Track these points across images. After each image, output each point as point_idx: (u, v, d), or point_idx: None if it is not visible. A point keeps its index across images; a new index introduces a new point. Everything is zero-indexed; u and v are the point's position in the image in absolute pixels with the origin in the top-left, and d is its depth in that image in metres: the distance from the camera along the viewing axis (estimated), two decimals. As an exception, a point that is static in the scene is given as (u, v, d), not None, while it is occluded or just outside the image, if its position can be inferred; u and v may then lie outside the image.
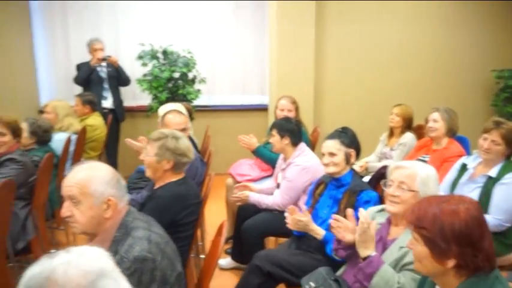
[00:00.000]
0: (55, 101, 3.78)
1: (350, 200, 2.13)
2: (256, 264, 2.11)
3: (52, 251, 2.85)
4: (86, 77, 4.60)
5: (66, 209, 1.41)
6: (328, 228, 2.06)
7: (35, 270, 0.78)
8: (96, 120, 4.09)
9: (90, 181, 1.40)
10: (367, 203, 2.08)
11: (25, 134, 2.90)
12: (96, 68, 4.63)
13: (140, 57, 4.54)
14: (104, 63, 4.64)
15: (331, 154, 2.24)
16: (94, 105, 4.18)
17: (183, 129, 2.69)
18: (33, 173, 2.60)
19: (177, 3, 5.05)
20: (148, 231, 1.41)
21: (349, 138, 2.28)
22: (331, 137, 2.31)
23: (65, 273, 0.76)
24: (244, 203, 2.85)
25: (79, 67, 4.69)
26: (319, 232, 2.13)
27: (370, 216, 1.79)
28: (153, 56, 4.58)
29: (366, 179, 2.83)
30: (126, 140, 3.16)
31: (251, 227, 2.64)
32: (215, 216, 3.19)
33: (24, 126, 2.88)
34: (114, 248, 1.37)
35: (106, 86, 4.68)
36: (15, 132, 2.65)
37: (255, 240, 2.61)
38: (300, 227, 2.14)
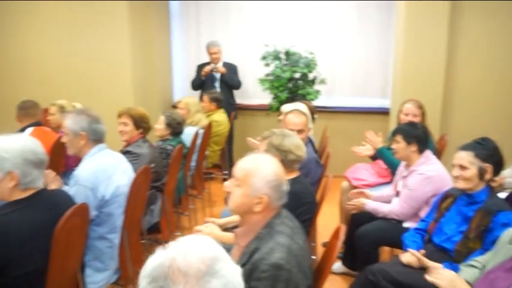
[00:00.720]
0: (187, 97, 4.15)
1: (484, 220, 1.92)
2: (370, 278, 2.03)
3: (177, 233, 3.14)
4: (199, 83, 4.97)
5: (229, 185, 1.53)
6: (453, 248, 1.90)
7: (156, 262, 0.84)
8: (220, 117, 4.39)
9: (254, 174, 1.47)
10: (505, 226, 1.84)
11: (162, 126, 3.25)
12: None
13: (264, 58, 4.71)
14: (219, 64, 4.94)
15: (462, 167, 2.02)
16: (219, 102, 4.48)
17: (300, 131, 2.72)
18: (152, 161, 2.79)
19: (302, 4, 5.10)
20: (290, 240, 1.42)
21: (486, 152, 2.02)
22: (465, 148, 2.07)
23: (185, 260, 0.83)
24: (359, 210, 2.77)
25: (199, 68, 5.07)
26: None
27: (508, 239, 1.60)
28: (276, 56, 4.72)
29: (502, 195, 2.53)
30: (247, 139, 3.32)
31: (365, 234, 2.55)
32: (327, 219, 3.16)
33: (162, 118, 3.24)
34: (256, 243, 1.43)
35: (217, 85, 4.97)
36: (138, 124, 2.88)
37: (369, 249, 2.52)
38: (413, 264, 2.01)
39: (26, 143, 1.67)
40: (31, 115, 3.37)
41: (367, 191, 2.90)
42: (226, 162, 4.77)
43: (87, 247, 2.07)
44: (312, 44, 4.94)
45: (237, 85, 5.02)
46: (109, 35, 4.72)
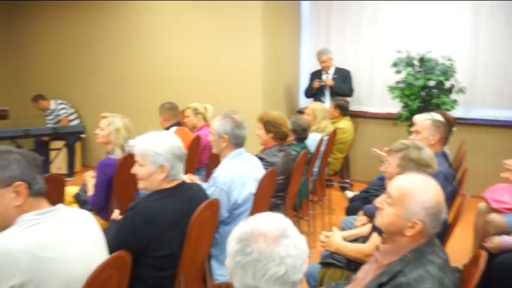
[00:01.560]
0: (314, 103, 4.19)
1: None
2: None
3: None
4: (311, 93, 4.99)
5: (381, 201, 1.49)
6: None
7: (241, 228, 1.09)
8: (345, 124, 4.33)
9: (412, 196, 1.39)
10: None
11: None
12: (321, 75, 4.90)
13: (395, 65, 4.51)
14: (330, 71, 4.88)
15: None
16: (344, 109, 4.42)
17: (433, 145, 2.54)
18: (284, 172, 2.83)
19: (440, 5, 4.74)
20: (442, 273, 1.34)
21: None
22: None
23: (264, 225, 1.06)
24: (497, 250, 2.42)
25: (311, 76, 5.06)
26: None
27: None
28: (409, 63, 4.47)
29: None
30: (373, 150, 3.21)
31: (507, 264, 2.26)
32: (458, 242, 2.88)
33: (288, 124, 3.30)
34: (401, 266, 1.37)
35: (327, 94, 4.89)
36: (267, 128, 2.86)
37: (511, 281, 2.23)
38: None
39: (174, 140, 1.90)
40: (175, 116, 3.79)
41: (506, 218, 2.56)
42: (348, 171, 4.68)
43: (215, 242, 2.23)
44: (451, 50, 4.56)
45: (347, 93, 4.91)
46: (243, 40, 4.90)
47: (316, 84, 4.90)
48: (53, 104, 6.01)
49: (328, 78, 4.95)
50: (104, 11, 5.80)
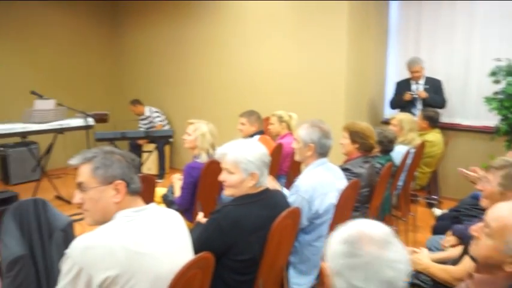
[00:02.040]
0: (401, 114, 4.01)
1: None
2: None
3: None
4: (399, 104, 4.73)
5: (477, 229, 1.39)
6: None
7: (345, 231, 1.08)
8: (435, 137, 4.08)
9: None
10: None
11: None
12: (411, 85, 4.61)
13: (493, 74, 4.15)
14: (420, 81, 4.57)
15: None
16: (433, 121, 4.17)
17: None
18: (369, 184, 2.74)
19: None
20: None
21: None
22: None
23: (370, 229, 1.06)
24: None
25: (398, 86, 4.79)
26: None
27: None
28: (509, 72, 4.10)
29: None
30: (459, 170, 2.99)
31: None
32: None
33: (374, 136, 3.18)
34: None
35: (419, 105, 4.60)
36: (353, 138, 2.76)
37: None
38: None
39: (262, 148, 1.95)
40: (259, 124, 3.87)
41: None
42: (436, 186, 4.40)
43: (294, 251, 2.23)
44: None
45: (441, 105, 4.60)
46: (328, 47, 4.83)
47: (408, 96, 4.66)
48: (147, 111, 6.41)
49: (418, 88, 4.70)
50: (194, 22, 6.12)
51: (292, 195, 2.24)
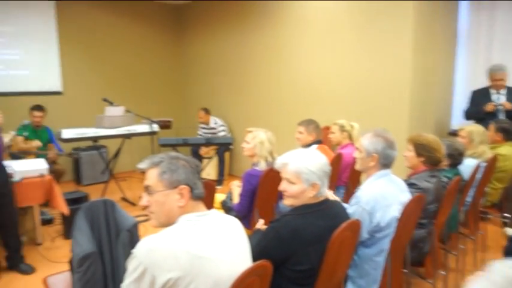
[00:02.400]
0: (471, 126, 3.78)
1: None
2: None
3: (442, 272, 2.89)
4: (476, 115, 4.39)
5: None
6: None
7: (498, 273, 0.88)
8: (509, 150, 3.80)
9: None
10: None
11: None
12: (491, 95, 4.28)
13: None
14: (502, 91, 4.24)
15: None
16: (508, 134, 3.88)
17: None
18: (437, 199, 2.62)
19: None
20: None
21: None
22: None
23: None
24: None
25: (474, 95, 4.47)
26: None
27: None
28: None
29: None
30: None
31: None
32: None
33: (442, 149, 3.01)
34: None
35: (502, 117, 4.25)
36: (418, 151, 2.64)
37: None
38: None
39: (323, 158, 1.93)
40: (318, 133, 3.81)
41: None
42: (509, 204, 4.07)
43: (353, 264, 2.17)
44: None
45: None
46: (392, 54, 4.67)
47: (491, 107, 4.34)
48: (212, 122, 6.51)
49: (500, 99, 4.38)
50: (255, 30, 6.21)
51: (352, 206, 2.18)
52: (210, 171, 6.41)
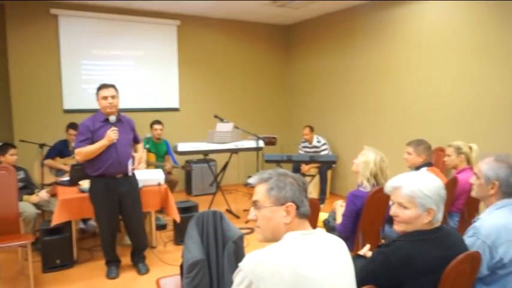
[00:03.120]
0: None
1: None
2: None
3: None
4: None
5: None
6: None
7: None
8: None
9: None
10: None
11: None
12: None
13: None
14: None
15: None
16: None
17: None
18: None
19: None
20: None
21: None
22: None
23: None
24: None
25: None
26: None
27: None
28: None
29: None
30: None
31: None
32: None
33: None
34: None
35: None
36: None
37: None
38: None
39: (438, 181, 1.79)
40: (428, 155, 3.57)
41: None
42: None
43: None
44: None
45: None
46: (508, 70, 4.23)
47: None
48: (315, 140, 6.47)
49: None
50: (362, 48, 6.09)
51: (470, 238, 1.97)
52: (311, 189, 6.37)
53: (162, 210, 4.42)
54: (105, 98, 3.49)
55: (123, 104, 3.80)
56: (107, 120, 3.53)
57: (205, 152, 5.36)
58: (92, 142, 3.47)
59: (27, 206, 4.01)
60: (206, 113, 6.68)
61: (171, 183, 5.31)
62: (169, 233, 4.77)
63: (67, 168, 4.94)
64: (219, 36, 7.33)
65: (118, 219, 3.81)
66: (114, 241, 3.80)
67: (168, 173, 5.49)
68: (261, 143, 5.47)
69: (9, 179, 3.58)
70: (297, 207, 1.47)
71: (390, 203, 1.89)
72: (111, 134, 3.45)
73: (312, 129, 6.52)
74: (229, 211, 5.65)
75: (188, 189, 6.94)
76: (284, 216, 1.46)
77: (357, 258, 2.11)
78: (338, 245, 1.51)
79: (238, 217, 5.50)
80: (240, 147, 5.40)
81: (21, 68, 5.90)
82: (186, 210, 4.52)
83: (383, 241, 3.02)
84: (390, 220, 3.01)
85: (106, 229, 3.68)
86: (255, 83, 7.75)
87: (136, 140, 3.89)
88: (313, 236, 1.45)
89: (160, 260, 4.03)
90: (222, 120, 5.39)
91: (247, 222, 5.26)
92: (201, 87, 7.27)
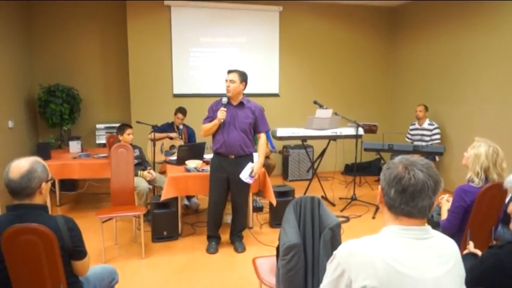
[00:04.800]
0: None
1: None
2: None
3: None
4: None
5: None
6: None
7: None
8: None
9: None
10: None
11: None
12: None
13: None
14: None
15: None
16: None
17: None
18: None
19: None
20: None
21: None
22: None
23: None
24: None
25: None
26: None
27: None
28: None
29: None
30: None
31: None
32: None
33: None
34: None
35: None
36: None
37: None
38: None
39: None
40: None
41: None
42: None
43: None
44: None
45: None
46: None
47: None
48: (426, 123, 6.05)
49: None
50: (476, 33, 5.51)
51: None
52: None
53: (259, 193, 4.55)
54: (226, 81, 3.73)
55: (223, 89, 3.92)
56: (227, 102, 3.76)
57: (304, 138, 5.36)
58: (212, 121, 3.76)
59: (141, 181, 4.43)
60: (305, 99, 6.66)
61: (268, 168, 5.43)
62: (265, 215, 4.90)
63: (173, 135, 5.40)
64: (321, 21, 7.21)
65: (225, 198, 3.95)
66: (219, 218, 3.97)
67: (266, 157, 5.61)
68: (361, 131, 5.30)
69: (127, 156, 3.99)
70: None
71: (507, 199, 1.70)
72: (218, 114, 3.68)
73: (426, 108, 6.07)
74: (324, 198, 5.61)
75: (285, 174, 7.03)
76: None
77: (465, 258, 1.95)
78: (445, 244, 1.40)
79: (333, 205, 5.43)
80: (338, 134, 5.30)
81: (138, 56, 6.47)
82: (282, 195, 4.59)
83: (495, 242, 2.75)
84: (505, 220, 2.74)
85: (212, 204, 3.88)
86: (357, 68, 7.50)
87: (257, 129, 3.84)
88: (415, 233, 1.36)
89: (257, 240, 4.17)
90: (321, 106, 5.33)
91: (342, 210, 5.17)
92: (301, 73, 7.25)
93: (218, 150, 3.77)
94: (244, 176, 3.74)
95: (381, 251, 1.29)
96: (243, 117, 3.75)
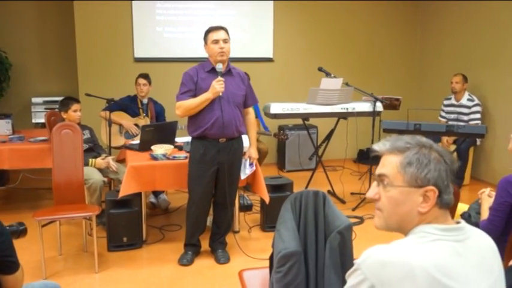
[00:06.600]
0: None
1: None
2: None
3: None
4: None
5: None
6: None
7: None
8: None
9: None
10: None
11: None
12: None
13: None
14: None
15: None
16: None
17: None
18: None
19: None
20: None
21: None
22: None
23: None
24: None
25: None
26: None
27: None
28: None
29: None
30: None
31: None
32: None
33: None
34: None
35: None
36: None
37: None
38: None
39: None
40: None
41: None
42: None
43: None
44: None
45: None
46: None
47: None
48: (465, 97, 6.10)
49: None
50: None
51: None
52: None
53: (247, 187, 4.54)
54: (217, 41, 3.62)
55: (202, 52, 3.87)
56: (213, 69, 3.69)
57: (305, 116, 5.34)
58: (195, 95, 3.66)
59: (92, 172, 4.40)
60: (308, 65, 6.64)
61: (259, 154, 5.42)
62: (256, 215, 4.92)
63: (126, 124, 5.32)
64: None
65: (211, 195, 3.92)
66: (202, 221, 3.96)
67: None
68: (379, 106, 5.30)
69: (74, 139, 3.94)
70: (439, 194, 1.37)
71: None
72: (217, 85, 3.56)
73: (465, 79, 6.10)
74: (332, 193, 5.63)
75: (280, 163, 7.05)
76: (420, 203, 1.38)
77: (509, 271, 1.97)
78: (489, 248, 1.41)
79: (343, 202, 5.47)
80: (350, 110, 5.30)
81: (87, 9, 6.35)
82: (278, 189, 4.59)
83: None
84: None
85: (194, 204, 3.86)
86: (373, 28, 7.50)
87: (245, 102, 3.87)
88: (457, 234, 1.36)
89: (244, 249, 4.18)
90: (328, 74, 5.30)
91: (354, 209, 5.20)
92: (301, 32, 7.21)
93: (205, 132, 3.69)
94: (243, 171, 3.74)
95: (422, 259, 1.28)
96: (235, 89, 3.74)
